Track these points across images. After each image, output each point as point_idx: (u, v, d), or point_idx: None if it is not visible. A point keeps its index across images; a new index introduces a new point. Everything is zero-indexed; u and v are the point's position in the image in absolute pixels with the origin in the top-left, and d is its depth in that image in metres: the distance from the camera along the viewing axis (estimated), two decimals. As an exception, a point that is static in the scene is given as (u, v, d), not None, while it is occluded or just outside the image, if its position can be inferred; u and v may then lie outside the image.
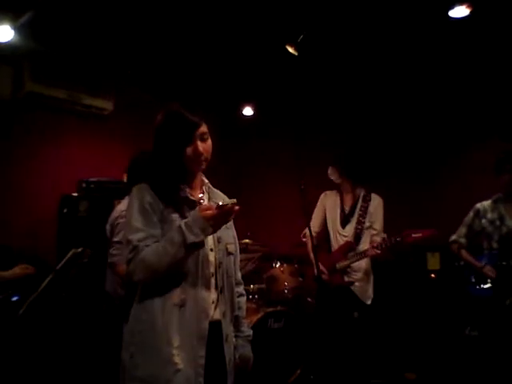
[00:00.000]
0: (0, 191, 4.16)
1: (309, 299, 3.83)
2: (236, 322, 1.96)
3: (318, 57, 4.44)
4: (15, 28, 3.61)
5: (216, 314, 1.80)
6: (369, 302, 3.40)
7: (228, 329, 1.85)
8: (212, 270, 1.81)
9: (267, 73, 4.79)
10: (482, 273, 3.37)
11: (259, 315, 3.79)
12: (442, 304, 4.12)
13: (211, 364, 1.74)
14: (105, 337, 3.13)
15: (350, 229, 3.47)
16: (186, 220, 1.70)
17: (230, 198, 1.95)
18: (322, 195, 3.73)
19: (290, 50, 4.01)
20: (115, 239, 2.90)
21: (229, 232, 1.95)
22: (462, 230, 3.60)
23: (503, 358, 3.17)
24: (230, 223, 1.91)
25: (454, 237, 3.63)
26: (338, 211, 3.57)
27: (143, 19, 3.88)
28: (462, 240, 3.58)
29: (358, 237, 3.43)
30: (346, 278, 3.42)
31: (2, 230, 3.96)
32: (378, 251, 3.21)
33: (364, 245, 3.39)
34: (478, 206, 3.55)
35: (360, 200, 3.51)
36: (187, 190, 1.84)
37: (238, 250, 2.03)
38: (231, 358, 1.85)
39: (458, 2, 3.49)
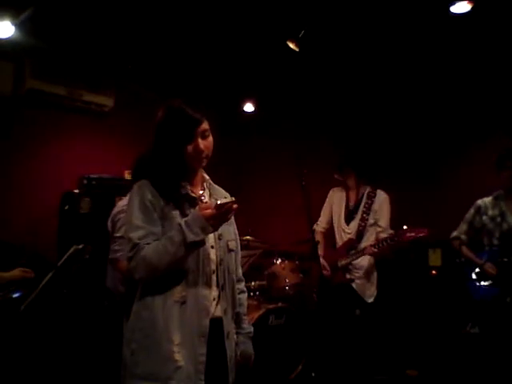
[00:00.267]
0: (1, 188, 4.17)
1: (314, 295, 3.82)
2: (237, 319, 1.96)
3: (319, 52, 4.43)
4: (16, 24, 3.60)
5: (217, 311, 1.80)
6: (370, 301, 3.39)
7: (229, 326, 1.86)
8: (213, 267, 1.81)
9: (268, 69, 4.77)
10: (482, 270, 3.37)
11: (260, 312, 3.79)
12: (443, 301, 4.11)
13: (213, 361, 1.74)
14: (106, 333, 3.13)
15: (354, 226, 3.47)
16: (185, 219, 1.70)
17: (230, 194, 1.95)
18: (330, 192, 3.74)
19: (291, 45, 4.00)
20: (117, 234, 2.90)
21: (230, 229, 1.95)
22: (463, 226, 3.60)
23: (504, 354, 3.18)
24: (231, 220, 1.91)
25: (454, 233, 3.63)
26: (343, 208, 3.57)
27: (144, 15, 3.86)
28: (463, 237, 3.58)
29: (360, 234, 3.42)
30: (348, 276, 3.42)
31: (3, 226, 3.96)
32: (376, 250, 3.21)
33: (366, 242, 3.38)
34: (479, 202, 3.55)
35: (364, 197, 3.50)
36: (188, 186, 1.84)
37: (239, 247, 2.02)
38: (232, 355, 1.86)
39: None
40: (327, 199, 3.74)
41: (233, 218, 1.89)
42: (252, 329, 2.05)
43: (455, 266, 3.82)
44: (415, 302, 4.27)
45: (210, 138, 1.82)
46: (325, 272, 3.47)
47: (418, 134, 4.84)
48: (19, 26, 3.64)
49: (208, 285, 1.77)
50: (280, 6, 3.72)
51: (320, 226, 3.75)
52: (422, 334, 4.12)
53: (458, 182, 4.51)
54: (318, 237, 3.67)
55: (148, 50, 4.50)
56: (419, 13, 3.70)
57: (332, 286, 3.46)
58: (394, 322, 4.20)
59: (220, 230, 1.80)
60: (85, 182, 4.22)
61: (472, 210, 3.57)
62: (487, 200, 3.52)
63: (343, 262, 3.41)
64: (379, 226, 3.41)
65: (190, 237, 1.64)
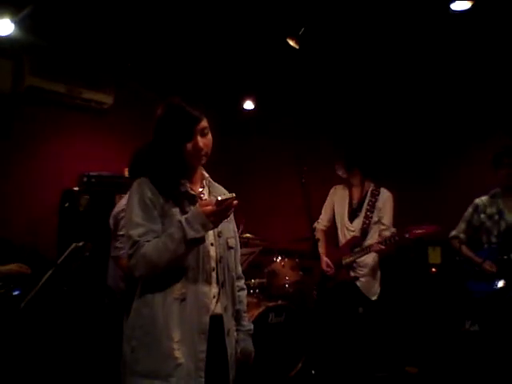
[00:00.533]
0: (0, 186, 4.16)
1: (314, 293, 3.82)
2: (237, 316, 1.96)
3: (319, 50, 4.42)
4: (15, 22, 3.60)
5: (217, 309, 1.80)
6: (374, 298, 3.40)
7: (229, 323, 1.86)
8: (213, 264, 1.81)
9: (268, 67, 4.77)
10: (482, 268, 3.37)
11: (260, 309, 3.79)
12: (442, 298, 4.12)
13: (213, 358, 1.75)
14: (106, 331, 3.14)
15: (358, 223, 3.46)
16: (186, 216, 1.69)
17: (230, 192, 1.94)
18: (332, 189, 3.72)
19: (291, 43, 3.99)
20: (119, 233, 2.89)
21: (229, 226, 1.95)
22: (462, 225, 3.60)
23: (503, 352, 3.18)
24: (230, 217, 1.91)
25: (453, 232, 3.63)
26: (347, 206, 3.55)
27: (143, 13, 3.86)
28: (462, 235, 3.58)
29: (364, 232, 3.42)
30: (352, 274, 3.41)
31: (2, 224, 3.96)
32: (383, 247, 3.19)
33: (371, 240, 3.37)
34: (477, 201, 3.55)
35: (368, 194, 3.49)
36: (187, 184, 1.84)
37: (239, 244, 2.03)
38: (233, 352, 1.86)
39: (460, -5, 3.48)
40: (328, 197, 3.72)
41: (232, 215, 1.89)
42: (252, 326, 2.05)
43: (455, 263, 3.82)
44: (415, 300, 4.28)
45: (210, 136, 1.81)
46: (328, 270, 3.47)
47: (418, 134, 4.83)
48: (19, 23, 3.64)
49: (208, 282, 1.77)
50: (280, 3, 3.71)
51: (321, 223, 3.74)
52: (422, 331, 4.12)
53: (458, 181, 4.51)
54: (319, 235, 3.66)
55: (147, 48, 4.50)
56: (419, 10, 3.70)
57: (334, 284, 3.45)
58: (393, 319, 4.20)
59: (220, 227, 1.80)
60: (84, 179, 4.21)
61: (470, 209, 3.58)
62: (485, 198, 3.52)
63: (347, 260, 3.40)
64: (383, 224, 3.41)
65: (191, 234, 1.64)
